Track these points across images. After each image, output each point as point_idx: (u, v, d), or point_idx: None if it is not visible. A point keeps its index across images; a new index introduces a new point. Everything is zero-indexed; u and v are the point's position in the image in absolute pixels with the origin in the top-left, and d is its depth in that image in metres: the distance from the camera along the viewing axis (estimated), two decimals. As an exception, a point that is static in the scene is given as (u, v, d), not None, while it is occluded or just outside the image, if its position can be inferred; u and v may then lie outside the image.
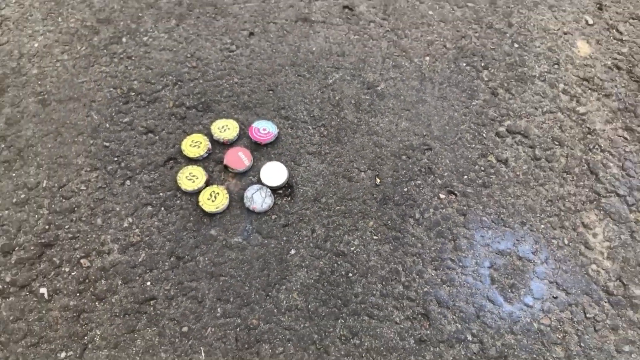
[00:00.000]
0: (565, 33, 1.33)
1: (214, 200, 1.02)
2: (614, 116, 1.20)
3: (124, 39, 1.28)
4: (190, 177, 1.04)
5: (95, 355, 0.88)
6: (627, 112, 1.21)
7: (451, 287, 0.98)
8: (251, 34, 1.28)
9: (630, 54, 1.30)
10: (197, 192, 1.04)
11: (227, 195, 1.03)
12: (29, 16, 1.32)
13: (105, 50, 1.26)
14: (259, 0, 1.34)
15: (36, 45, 1.26)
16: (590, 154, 1.14)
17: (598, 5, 1.38)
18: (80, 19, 1.32)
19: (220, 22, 1.31)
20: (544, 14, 1.36)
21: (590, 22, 1.35)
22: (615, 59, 1.29)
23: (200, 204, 1.02)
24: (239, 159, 1.07)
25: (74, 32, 1.29)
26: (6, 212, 1.02)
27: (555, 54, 1.29)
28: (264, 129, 1.11)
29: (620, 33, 1.33)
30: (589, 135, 1.17)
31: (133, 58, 1.24)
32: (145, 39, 1.28)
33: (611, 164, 1.13)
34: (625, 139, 1.17)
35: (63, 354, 0.88)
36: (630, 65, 1.28)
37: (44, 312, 0.92)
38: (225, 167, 1.07)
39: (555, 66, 1.27)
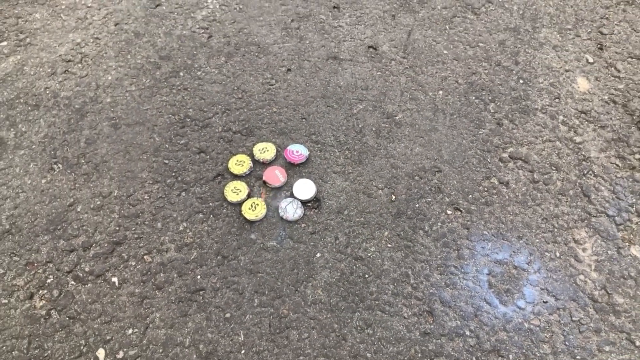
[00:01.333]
0: (566, 70, 1.49)
1: (254, 210, 1.22)
2: (607, 145, 1.34)
3: (181, 73, 1.51)
4: (235, 191, 1.25)
5: (155, 333, 1.08)
6: (620, 142, 1.35)
7: (453, 290, 1.14)
8: (288, 70, 1.50)
9: (626, 89, 1.44)
10: (240, 203, 1.24)
11: (265, 206, 1.23)
12: (104, 54, 1.57)
13: (165, 83, 1.49)
14: (295, 41, 1.56)
15: (110, 78, 1.51)
16: (584, 178, 1.29)
17: (599, 46, 1.54)
18: (145, 56, 1.56)
19: (262, 60, 1.53)
20: (548, 53, 1.52)
21: (591, 60, 1.51)
22: (612, 94, 1.44)
23: (242, 212, 1.22)
24: (275, 176, 1.27)
25: (140, 67, 1.53)
26: (85, 215, 1.24)
27: (557, 89, 1.45)
28: (297, 151, 1.31)
29: (618, 71, 1.48)
30: (583, 162, 1.32)
31: (189, 89, 1.47)
32: (199, 73, 1.51)
33: (603, 188, 1.28)
34: (617, 165, 1.31)
35: (130, 331, 1.09)
36: (626, 99, 1.42)
37: (115, 296, 1.13)
38: (264, 182, 1.27)
39: (556, 100, 1.43)
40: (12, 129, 1.39)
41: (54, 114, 1.42)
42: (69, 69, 1.52)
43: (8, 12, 1.66)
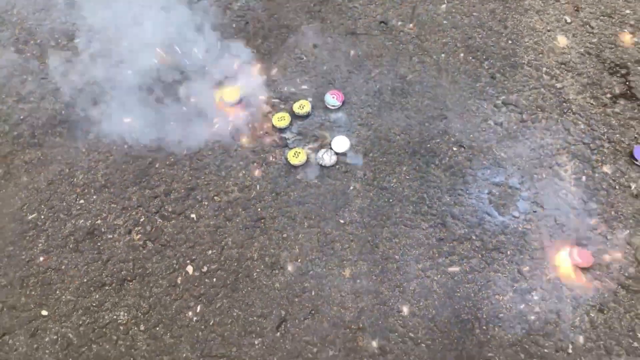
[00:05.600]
0: (548, 30, 1.76)
1: (297, 157, 1.52)
2: (583, 89, 1.62)
3: (225, 55, 1.82)
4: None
5: (229, 252, 1.40)
6: (594, 85, 1.63)
7: (461, 207, 1.44)
8: (315, 45, 1.80)
9: (599, 42, 1.72)
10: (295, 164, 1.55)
11: (306, 154, 1.53)
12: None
13: (213, 64, 1.80)
14: (318, 21, 1.85)
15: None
16: (564, 116, 1.58)
17: (575, 8, 1.81)
18: (193, 43, 1.87)
19: (292, 39, 1.83)
20: (532, 17, 1.80)
21: (569, 21, 1.78)
22: (587, 47, 1.71)
23: (288, 159, 1.53)
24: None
25: (190, 52, 1.84)
26: (162, 170, 1.56)
27: (540, 46, 1.73)
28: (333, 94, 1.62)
29: (592, 28, 1.76)
30: (564, 103, 1.60)
31: (233, 67, 1.78)
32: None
33: (580, 122, 1.56)
34: (592, 104, 1.59)
35: (210, 252, 1.41)
36: (599, 51, 1.70)
37: (194, 228, 1.45)
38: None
39: (540, 55, 1.71)
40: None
41: (126, 94, 1.74)
42: None
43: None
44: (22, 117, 1.70)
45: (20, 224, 1.49)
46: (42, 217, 1.50)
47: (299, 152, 1.53)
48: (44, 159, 1.61)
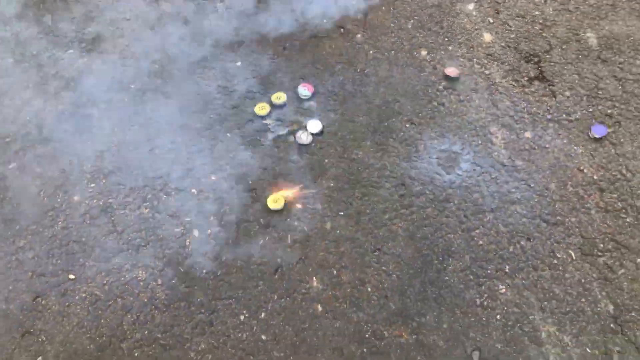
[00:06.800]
0: (476, 29, 2.15)
1: (277, 202, 1.81)
2: (506, 74, 2.01)
3: (207, 59, 2.10)
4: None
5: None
6: (514, 71, 2.02)
7: (416, 170, 1.77)
8: (284, 48, 2.11)
9: (516, 37, 2.12)
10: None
11: (284, 200, 1.82)
12: (147, 51, 2.14)
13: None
14: (289, 26, 2.17)
15: (155, 67, 2.08)
16: (493, 95, 1.95)
17: (496, 11, 2.21)
18: (177, 50, 2.14)
19: (266, 45, 2.13)
20: (462, 19, 2.19)
21: (492, 21, 2.18)
22: (507, 41, 2.11)
23: (267, 204, 1.82)
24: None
25: (175, 57, 2.11)
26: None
27: (470, 42, 2.11)
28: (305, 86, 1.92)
29: (510, 26, 2.16)
30: (492, 86, 1.98)
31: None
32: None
33: (505, 100, 1.94)
34: (514, 85, 1.98)
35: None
36: (516, 44, 2.10)
37: (196, 200, 1.71)
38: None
39: (471, 49, 2.09)
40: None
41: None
42: None
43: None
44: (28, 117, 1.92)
45: (39, 206, 1.70)
46: (59, 200, 1.71)
47: (278, 199, 1.72)
48: (53, 152, 1.83)
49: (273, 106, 1.93)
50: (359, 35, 2.14)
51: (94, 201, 1.71)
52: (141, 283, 1.55)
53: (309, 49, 2.10)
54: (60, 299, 1.52)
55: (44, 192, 1.73)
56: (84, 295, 1.53)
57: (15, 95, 2.00)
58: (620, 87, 1.92)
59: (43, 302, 1.52)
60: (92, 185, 1.75)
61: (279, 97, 1.93)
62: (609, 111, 1.86)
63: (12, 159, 1.82)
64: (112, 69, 2.08)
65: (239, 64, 2.07)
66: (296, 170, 1.77)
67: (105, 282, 1.55)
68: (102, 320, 1.49)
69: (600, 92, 1.92)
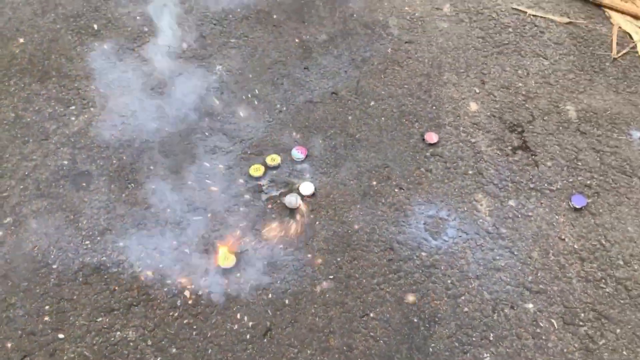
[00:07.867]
0: (463, 98, 2.27)
1: (227, 260, 1.87)
2: (491, 142, 2.11)
3: (204, 119, 2.18)
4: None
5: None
6: (499, 140, 2.12)
7: (404, 235, 1.82)
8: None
9: (500, 108, 2.23)
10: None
11: (234, 259, 1.88)
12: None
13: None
14: (282, 91, 2.27)
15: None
16: (478, 163, 2.04)
17: (482, 82, 2.34)
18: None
19: (261, 106, 2.22)
20: (450, 88, 2.31)
21: (478, 91, 2.30)
22: (492, 111, 2.22)
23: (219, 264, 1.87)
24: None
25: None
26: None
27: (457, 111, 2.22)
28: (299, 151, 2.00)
29: (495, 96, 2.28)
30: (477, 154, 2.07)
31: (212, 129, 2.14)
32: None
33: (490, 168, 2.02)
34: (498, 154, 2.07)
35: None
36: (501, 114, 2.21)
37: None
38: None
39: (457, 117, 2.19)
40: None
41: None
42: None
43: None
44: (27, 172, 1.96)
45: (32, 262, 1.72)
46: (52, 256, 1.74)
47: (229, 257, 1.75)
48: (50, 207, 1.86)
49: (268, 167, 1.99)
50: (350, 102, 2.24)
51: (88, 259, 1.74)
52: (131, 344, 1.56)
53: (304, 113, 2.19)
54: (49, 359, 1.52)
55: (38, 248, 1.76)
56: (72, 355, 1.53)
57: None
58: (598, 159, 2.02)
59: (31, 362, 1.52)
60: (87, 242, 1.78)
61: (274, 159, 2.00)
62: (588, 182, 1.95)
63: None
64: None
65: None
66: (287, 231, 1.82)
67: (94, 342, 1.56)
68: (89, 382, 1.49)
69: (579, 163, 2.01)
